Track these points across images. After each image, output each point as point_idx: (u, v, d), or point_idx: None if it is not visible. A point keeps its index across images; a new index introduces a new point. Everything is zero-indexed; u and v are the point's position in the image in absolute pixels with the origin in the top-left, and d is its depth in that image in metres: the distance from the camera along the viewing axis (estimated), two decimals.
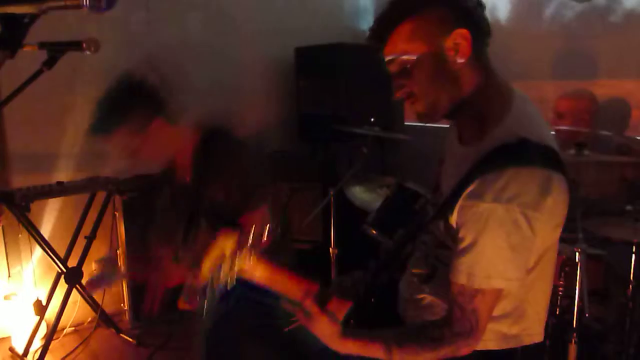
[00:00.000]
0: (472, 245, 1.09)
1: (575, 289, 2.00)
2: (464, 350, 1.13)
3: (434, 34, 1.08)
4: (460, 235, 1.11)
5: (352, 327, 1.30)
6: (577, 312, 2.00)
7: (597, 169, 2.49)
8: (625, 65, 2.95)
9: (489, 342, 1.21)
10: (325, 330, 1.15)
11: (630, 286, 2.24)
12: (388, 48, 1.12)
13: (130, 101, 1.76)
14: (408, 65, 1.10)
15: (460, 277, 1.11)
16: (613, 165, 2.54)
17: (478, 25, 1.11)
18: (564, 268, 2.22)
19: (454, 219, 1.15)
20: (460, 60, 1.08)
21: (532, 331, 1.27)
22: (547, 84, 3.24)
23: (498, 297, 1.13)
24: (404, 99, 1.16)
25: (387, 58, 1.13)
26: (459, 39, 1.07)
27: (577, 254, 2.01)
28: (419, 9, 1.08)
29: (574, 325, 1.99)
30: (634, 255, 2.21)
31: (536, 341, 1.28)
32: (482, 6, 1.13)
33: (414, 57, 1.09)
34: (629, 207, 2.26)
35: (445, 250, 1.25)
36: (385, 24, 1.12)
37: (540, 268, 1.19)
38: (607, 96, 2.88)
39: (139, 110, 1.77)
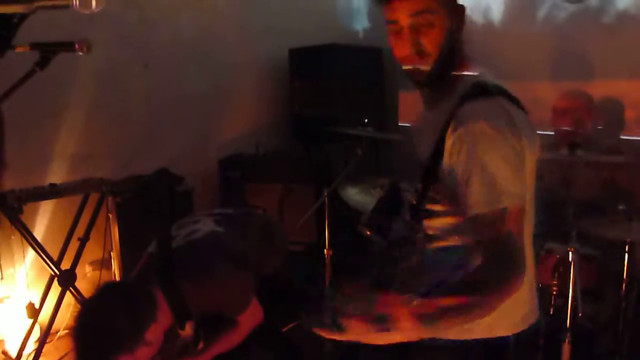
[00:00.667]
0: (470, 172, 1.10)
1: (569, 289, 2.01)
2: (518, 283, 1.05)
3: (452, 2, 1.20)
4: (459, 170, 1.13)
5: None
6: (570, 312, 2.01)
7: (587, 169, 2.51)
8: (618, 65, 2.97)
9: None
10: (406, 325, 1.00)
11: (624, 285, 2.25)
12: (416, 1, 1.17)
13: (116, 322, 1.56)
14: (431, 21, 1.17)
15: (480, 207, 1.09)
16: (604, 166, 2.56)
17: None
18: (558, 268, 2.22)
19: (445, 162, 1.16)
20: (461, 30, 1.22)
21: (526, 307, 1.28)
22: (540, 85, 3.25)
23: (523, 215, 1.10)
24: (411, 57, 1.20)
25: (414, 9, 1.16)
26: (461, 11, 1.21)
27: (570, 253, 2.02)
28: None
29: (568, 325, 2.00)
30: (626, 255, 2.22)
31: (532, 322, 1.28)
32: None
33: (438, 15, 1.17)
34: (621, 207, 2.27)
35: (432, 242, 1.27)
36: None
37: (527, 219, 1.18)
38: (600, 96, 2.90)
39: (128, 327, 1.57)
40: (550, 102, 2.86)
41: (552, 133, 2.79)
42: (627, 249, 2.22)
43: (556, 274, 2.23)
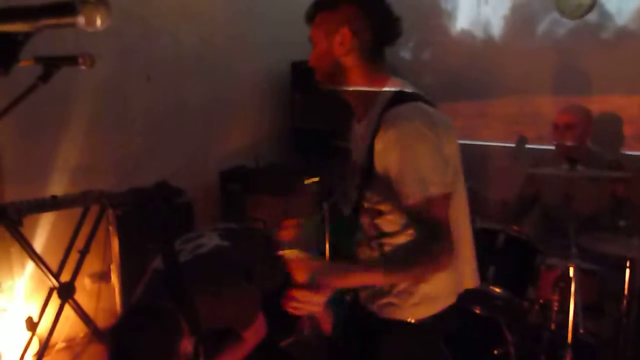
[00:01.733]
0: (400, 170, 1.28)
1: (570, 305, 2.00)
2: (447, 259, 1.26)
3: (330, 28, 1.43)
4: (389, 167, 1.30)
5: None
6: (571, 328, 2.00)
7: (589, 185, 2.51)
8: (617, 81, 2.99)
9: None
10: (333, 271, 1.32)
11: (625, 301, 2.25)
12: (310, 31, 1.51)
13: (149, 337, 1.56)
14: (313, 45, 1.50)
15: (411, 198, 1.27)
16: (605, 181, 2.56)
17: (371, 28, 1.41)
18: (559, 283, 2.22)
19: (378, 165, 1.34)
20: (341, 52, 1.42)
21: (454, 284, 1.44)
22: (540, 99, 3.26)
23: (447, 201, 1.30)
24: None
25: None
26: (344, 36, 1.40)
27: (571, 269, 2.02)
28: (326, 7, 1.46)
29: (569, 341, 1.99)
30: (627, 271, 2.22)
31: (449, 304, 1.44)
32: (384, 14, 1.43)
33: (315, 40, 1.48)
34: (622, 223, 2.27)
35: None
36: (307, 14, 1.51)
37: (455, 201, 1.36)
38: (600, 111, 2.91)
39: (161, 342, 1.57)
40: (549, 116, 2.87)
41: (552, 147, 2.80)
42: (627, 264, 2.21)
43: (557, 290, 2.23)
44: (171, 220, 3.14)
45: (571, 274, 2.03)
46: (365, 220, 1.47)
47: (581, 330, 2.02)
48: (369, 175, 1.37)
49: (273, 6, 4.03)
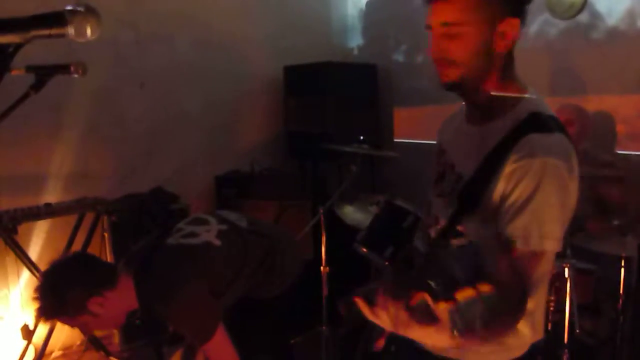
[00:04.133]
0: (526, 203, 1.07)
1: (566, 304, 2.01)
2: (515, 326, 1.07)
3: (491, 13, 1.13)
4: (513, 198, 1.09)
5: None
6: (568, 328, 2.00)
7: (584, 184, 2.52)
8: (609, 80, 3.00)
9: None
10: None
11: (620, 300, 2.25)
12: (447, 9, 1.14)
13: (62, 289, 1.70)
14: (457, 33, 1.14)
15: (522, 242, 1.07)
16: (597, 180, 2.57)
17: (525, 19, 1.17)
18: (554, 283, 2.23)
19: (499, 189, 1.12)
20: (502, 48, 1.16)
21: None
22: None
23: (549, 262, 1.11)
24: (439, 61, 1.19)
25: (442, 19, 1.15)
26: (509, 27, 1.14)
27: (566, 269, 2.02)
28: None
29: (566, 341, 2.00)
30: (622, 270, 2.23)
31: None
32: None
33: (467, 28, 1.13)
34: (616, 222, 2.28)
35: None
36: None
37: None
38: (593, 111, 2.92)
39: (72, 294, 1.70)
40: None
41: None
42: (622, 263, 2.22)
43: (553, 290, 2.23)
44: (167, 226, 3.14)
45: (566, 273, 2.03)
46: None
47: (577, 330, 2.02)
48: (478, 193, 1.15)
49: (266, 13, 4.05)
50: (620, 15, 2.97)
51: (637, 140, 2.91)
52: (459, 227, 1.19)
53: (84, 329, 1.89)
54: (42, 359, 2.90)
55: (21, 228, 2.76)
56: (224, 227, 1.99)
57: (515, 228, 1.08)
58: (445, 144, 1.36)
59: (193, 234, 1.93)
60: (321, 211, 2.82)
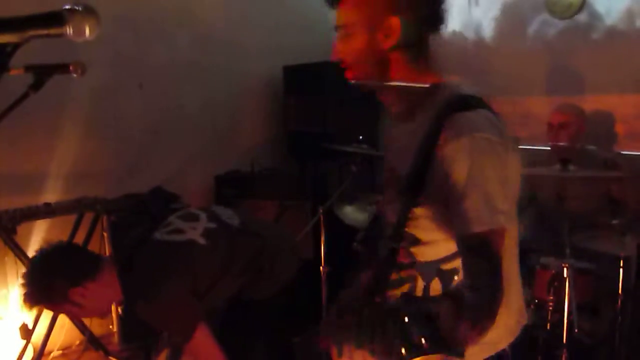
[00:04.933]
0: (466, 184, 1.06)
1: (565, 304, 2.01)
2: (501, 304, 1.05)
3: (371, 15, 1.17)
4: (451, 182, 1.08)
5: None
6: (566, 327, 2.00)
7: (583, 184, 2.52)
8: (607, 80, 3.01)
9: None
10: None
11: (619, 300, 2.25)
12: (338, 13, 1.22)
13: (45, 278, 1.77)
14: (346, 35, 1.20)
15: (473, 225, 1.05)
16: (599, 180, 2.57)
17: (422, 16, 1.18)
18: (553, 283, 2.23)
19: (438, 177, 1.11)
20: (387, 45, 1.17)
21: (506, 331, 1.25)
22: (532, 100, 3.28)
23: (504, 238, 1.09)
24: (340, 63, 1.25)
25: (336, 23, 1.23)
26: (391, 27, 1.16)
27: (565, 269, 2.03)
28: None
29: (564, 340, 2.00)
30: (621, 270, 2.23)
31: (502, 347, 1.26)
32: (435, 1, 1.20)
33: (352, 30, 1.19)
34: (615, 221, 2.28)
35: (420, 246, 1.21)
36: None
37: (511, 233, 1.17)
38: (592, 111, 2.93)
39: (53, 284, 1.76)
40: (541, 117, 2.88)
41: (546, 148, 2.81)
42: (621, 263, 2.22)
43: (552, 289, 2.23)
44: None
45: (565, 273, 2.03)
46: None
47: (576, 330, 2.02)
48: (419, 186, 1.14)
49: (266, 12, 4.05)
50: (619, 15, 2.98)
51: (636, 139, 2.91)
52: (409, 229, 1.19)
53: (70, 316, 1.95)
54: (41, 359, 2.90)
55: (20, 228, 2.76)
56: (212, 225, 1.98)
57: (464, 212, 1.06)
58: (385, 149, 1.38)
59: (179, 231, 1.93)
60: (321, 211, 2.82)
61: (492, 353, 1.25)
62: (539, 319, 2.29)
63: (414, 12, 1.16)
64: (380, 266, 1.27)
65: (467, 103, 1.13)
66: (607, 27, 3.03)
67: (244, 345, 2.02)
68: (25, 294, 1.74)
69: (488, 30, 3.55)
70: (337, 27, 1.22)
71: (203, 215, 2.02)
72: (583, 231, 2.34)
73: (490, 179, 1.07)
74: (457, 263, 1.16)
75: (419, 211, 1.16)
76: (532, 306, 2.36)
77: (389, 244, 1.22)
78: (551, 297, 2.23)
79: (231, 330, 2.01)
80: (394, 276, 1.26)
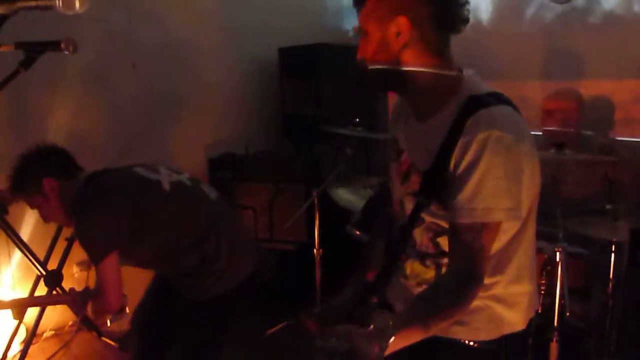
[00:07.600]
0: (468, 176, 1.12)
1: (557, 288, 2.02)
2: (474, 296, 1.15)
3: (383, 16, 1.21)
4: (457, 173, 1.15)
5: None
6: (558, 311, 2.02)
7: (577, 168, 2.53)
8: (605, 65, 3.00)
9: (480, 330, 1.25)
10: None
11: (610, 284, 2.27)
12: (358, 17, 1.28)
13: (27, 164, 1.99)
14: (364, 35, 1.26)
15: (462, 216, 1.13)
16: (594, 165, 2.57)
17: (430, 15, 1.20)
18: (546, 267, 2.24)
19: (458, 173, 1.16)
20: (399, 44, 1.21)
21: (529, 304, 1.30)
22: (529, 84, 3.27)
23: (497, 232, 1.15)
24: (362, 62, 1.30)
25: (357, 25, 1.29)
26: (400, 26, 1.19)
27: (557, 253, 2.03)
28: None
29: (555, 324, 2.02)
30: (613, 254, 2.24)
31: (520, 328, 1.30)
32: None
33: (368, 31, 1.24)
34: (608, 206, 2.29)
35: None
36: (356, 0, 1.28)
37: (528, 228, 1.24)
38: (589, 96, 2.92)
39: (31, 174, 1.97)
40: (538, 101, 2.87)
41: (541, 133, 2.81)
42: (613, 248, 2.23)
43: (544, 273, 2.25)
44: None
45: (558, 257, 2.04)
46: (423, 235, 1.29)
47: (568, 314, 2.04)
48: (437, 183, 1.18)
49: None
50: None
51: (633, 125, 2.91)
52: (426, 218, 1.25)
53: (42, 214, 2.07)
54: (33, 339, 2.90)
55: (12, 208, 2.74)
56: (187, 183, 2.10)
57: (459, 201, 1.13)
58: (402, 144, 1.40)
59: (155, 170, 2.05)
60: (315, 193, 2.82)
61: (496, 335, 1.28)
62: None
63: (419, 11, 1.18)
64: (389, 255, 1.33)
65: (490, 101, 1.17)
66: (605, 12, 3.01)
67: (206, 347, 2.02)
68: (10, 184, 1.99)
69: (485, 12, 3.53)
70: (358, 28, 1.28)
71: (185, 175, 2.13)
72: (576, 216, 2.34)
73: (495, 176, 1.11)
74: None
75: (438, 205, 1.21)
76: None
77: (400, 235, 1.28)
78: (543, 281, 2.25)
79: (192, 332, 2.03)
80: (418, 266, 1.32)
